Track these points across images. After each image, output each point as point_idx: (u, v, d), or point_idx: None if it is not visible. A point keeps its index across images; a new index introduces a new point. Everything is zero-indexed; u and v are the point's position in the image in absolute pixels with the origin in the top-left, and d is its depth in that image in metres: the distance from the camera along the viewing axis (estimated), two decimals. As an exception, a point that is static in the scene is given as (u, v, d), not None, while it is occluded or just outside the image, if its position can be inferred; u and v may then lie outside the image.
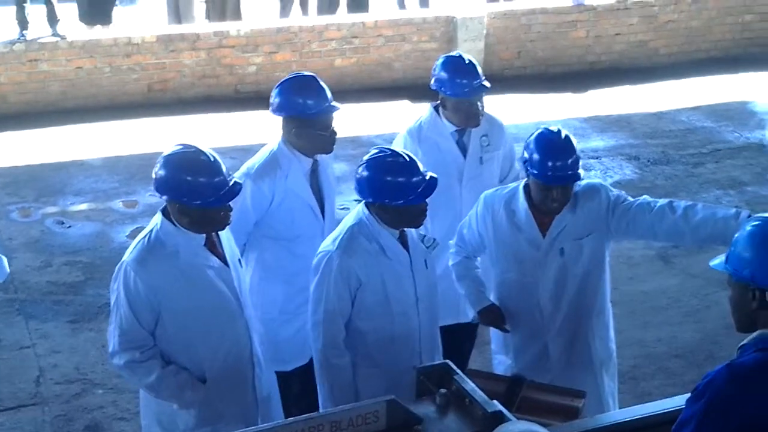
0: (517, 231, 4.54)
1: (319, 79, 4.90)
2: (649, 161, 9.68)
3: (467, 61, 5.30)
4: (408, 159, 4.15)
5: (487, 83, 5.29)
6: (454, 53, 5.54)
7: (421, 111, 5.48)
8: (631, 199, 4.53)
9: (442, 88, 5.26)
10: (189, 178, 3.89)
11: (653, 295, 7.08)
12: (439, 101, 5.36)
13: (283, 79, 4.93)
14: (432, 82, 5.32)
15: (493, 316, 4.66)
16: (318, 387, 4.39)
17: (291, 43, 11.23)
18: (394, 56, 11.48)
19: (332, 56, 11.33)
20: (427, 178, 4.13)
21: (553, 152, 4.35)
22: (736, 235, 3.05)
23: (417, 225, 4.25)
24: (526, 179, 4.53)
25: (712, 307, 6.84)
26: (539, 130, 4.46)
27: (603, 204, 4.52)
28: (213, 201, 3.89)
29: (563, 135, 4.44)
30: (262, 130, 10.12)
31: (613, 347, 4.90)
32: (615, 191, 4.58)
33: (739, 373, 2.90)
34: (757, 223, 3.03)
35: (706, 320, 6.74)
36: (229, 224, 4.06)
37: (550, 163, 4.32)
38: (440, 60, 5.36)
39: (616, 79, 11.90)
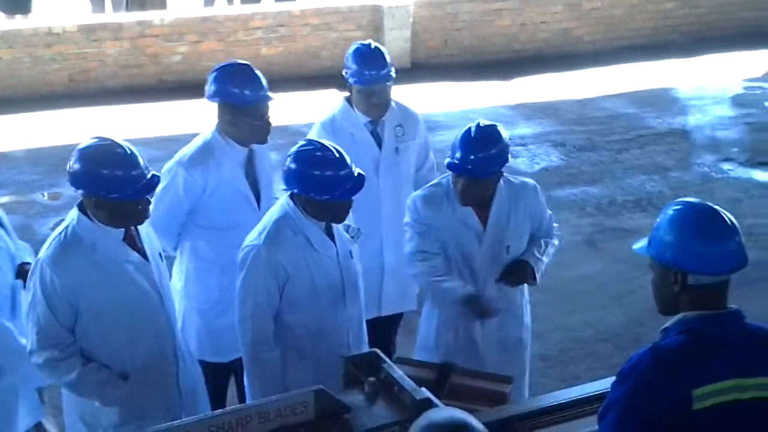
0: (462, 224, 4.55)
1: (254, 68, 4.84)
2: (575, 147, 9.79)
3: (374, 49, 5.25)
4: (338, 154, 4.11)
5: (392, 73, 5.24)
6: (365, 41, 5.48)
7: (334, 103, 5.43)
8: (549, 216, 4.76)
9: (349, 76, 5.22)
10: (105, 172, 3.80)
11: (580, 280, 7.16)
12: (349, 94, 5.31)
13: (217, 66, 4.86)
14: (343, 70, 5.29)
15: (480, 307, 4.47)
16: (246, 382, 4.34)
17: (216, 32, 11.15)
18: (321, 45, 11.45)
19: (258, 45, 11.26)
20: (356, 174, 4.11)
21: (466, 142, 4.41)
22: (658, 220, 3.08)
23: (340, 220, 4.22)
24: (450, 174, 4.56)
25: (637, 291, 6.93)
26: (477, 122, 4.52)
27: (537, 204, 4.69)
28: (130, 194, 3.81)
29: (486, 130, 4.46)
30: (187, 120, 10.03)
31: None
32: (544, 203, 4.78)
33: (663, 355, 2.93)
34: (678, 207, 3.06)
35: (632, 304, 6.83)
36: (147, 218, 3.97)
37: (459, 152, 4.40)
38: (351, 48, 5.32)
39: (542, 67, 12.03)
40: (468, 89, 11.22)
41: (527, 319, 4.85)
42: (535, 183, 4.76)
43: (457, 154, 4.41)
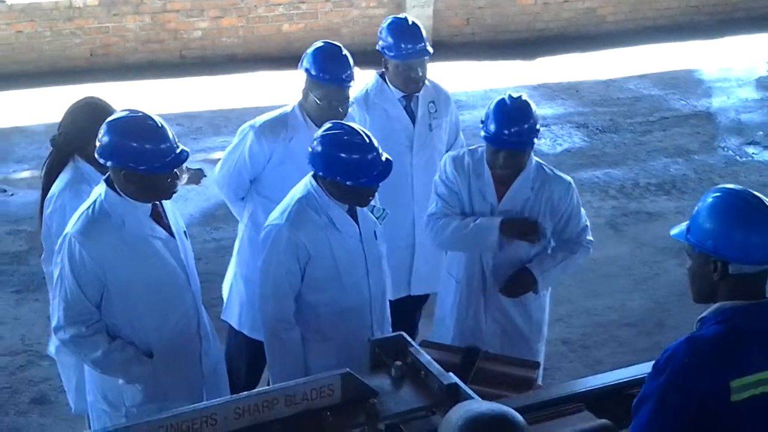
0: (479, 194, 4.55)
1: (344, 50, 4.83)
2: (597, 129, 9.70)
3: (411, 24, 5.24)
4: (367, 139, 4.06)
5: (430, 48, 5.22)
6: (400, 15, 5.47)
7: (367, 78, 5.40)
8: (581, 223, 4.62)
9: (385, 50, 5.19)
10: (135, 144, 3.78)
11: (603, 263, 7.10)
12: (383, 69, 5.29)
13: (315, 45, 4.87)
14: (378, 44, 5.26)
15: (517, 225, 4.46)
16: (267, 361, 4.32)
17: (237, 8, 11.07)
18: (342, 22, 11.37)
19: (279, 21, 11.19)
20: (383, 160, 4.06)
21: (503, 116, 4.39)
22: (697, 207, 3.02)
23: (363, 204, 4.18)
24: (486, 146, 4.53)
25: (662, 275, 6.88)
26: (503, 95, 4.48)
27: (566, 202, 4.57)
28: (158, 167, 3.79)
29: (519, 102, 4.45)
30: (208, 96, 10.01)
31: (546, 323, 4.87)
32: (579, 201, 4.64)
33: (700, 346, 2.89)
34: (717, 194, 3.01)
35: (656, 288, 6.78)
36: (174, 192, 3.94)
37: (497, 127, 4.37)
38: (385, 22, 5.30)
39: (565, 47, 11.92)
40: (490, 68, 11.14)
41: (535, 313, 4.73)
42: (572, 182, 4.64)
43: (493, 127, 4.38)
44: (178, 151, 3.84)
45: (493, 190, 4.54)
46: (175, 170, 3.86)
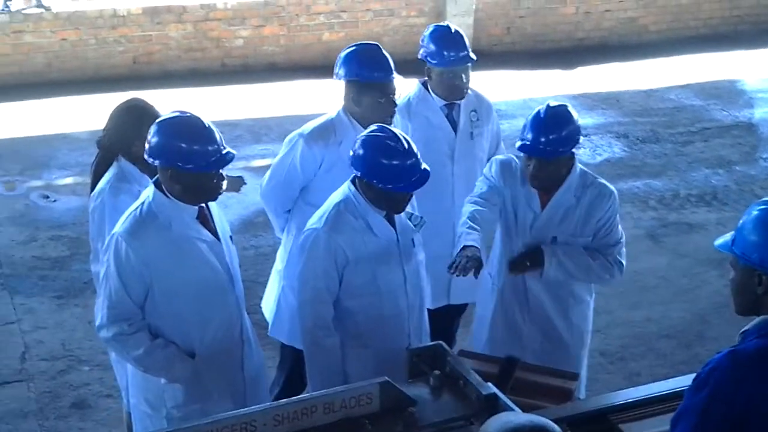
0: (524, 199, 4.54)
1: (381, 48, 4.93)
2: (638, 139, 9.65)
3: (454, 32, 5.26)
4: (407, 145, 4.08)
5: (473, 55, 5.23)
6: (443, 23, 5.49)
7: (409, 87, 5.43)
8: (613, 237, 4.55)
9: (428, 57, 5.22)
10: (182, 144, 3.85)
11: (642, 274, 7.06)
12: (426, 77, 5.31)
13: (347, 47, 4.95)
14: (420, 52, 5.28)
15: (470, 257, 4.29)
16: (306, 368, 4.33)
17: (278, 16, 11.13)
18: (382, 31, 11.40)
19: (320, 30, 11.24)
20: (422, 168, 4.07)
21: (537, 123, 4.38)
22: (743, 219, 3.00)
23: (398, 211, 4.19)
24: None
25: (702, 287, 6.83)
26: (547, 104, 4.49)
27: (606, 212, 4.53)
28: (204, 166, 3.85)
29: (556, 110, 4.43)
30: (248, 104, 10.07)
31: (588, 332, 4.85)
32: (617, 214, 4.57)
33: (742, 359, 2.87)
34: (763, 206, 2.98)
35: (696, 300, 6.72)
36: (220, 194, 4.00)
37: (529, 135, 4.37)
38: (428, 30, 5.33)
39: (605, 56, 11.87)
40: (530, 78, 11.11)
41: (576, 319, 4.70)
42: (615, 192, 4.58)
43: (528, 135, 4.38)
44: (224, 152, 3.89)
45: (537, 198, 4.53)
46: (220, 171, 3.91)
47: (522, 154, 4.50)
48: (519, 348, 4.52)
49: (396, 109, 5.19)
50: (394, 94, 4.84)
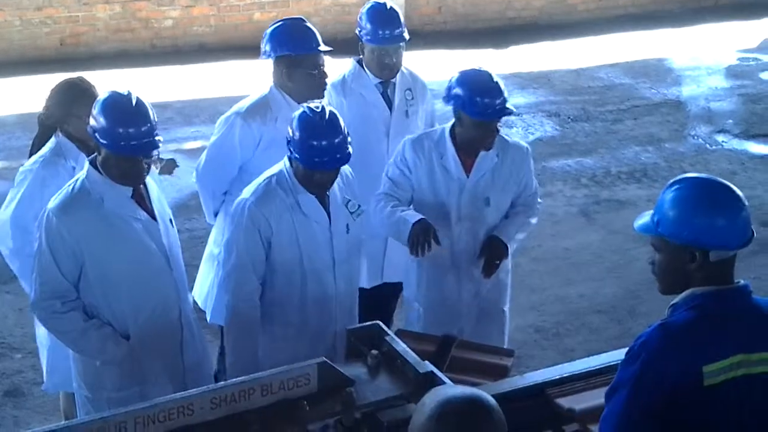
0: (445, 171, 4.60)
1: (306, 21, 4.93)
2: (569, 118, 9.75)
3: (389, 9, 5.25)
4: (327, 124, 4.05)
5: (406, 35, 5.24)
6: (380, 1, 5.46)
7: (341, 67, 5.41)
8: (534, 187, 4.80)
9: (362, 34, 5.22)
10: (106, 124, 3.81)
11: (576, 251, 7.15)
12: (360, 55, 5.30)
13: (271, 25, 4.93)
14: (357, 29, 5.28)
15: (424, 228, 4.47)
16: (224, 339, 4.30)
17: (208, -4, 11.02)
18: (313, 10, 11.34)
19: (251, 10, 11.15)
20: (348, 150, 4.06)
21: (486, 89, 4.43)
22: (661, 200, 3.00)
23: (316, 192, 4.16)
24: (452, 122, 4.58)
25: (633, 263, 6.93)
26: (463, 71, 4.53)
27: (525, 168, 4.74)
28: (121, 149, 3.80)
29: (489, 73, 4.52)
30: (179, 85, 9.97)
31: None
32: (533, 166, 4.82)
33: (673, 332, 2.91)
34: (684, 184, 2.99)
35: (628, 276, 6.82)
36: (142, 180, 3.96)
37: (485, 99, 4.40)
38: (365, 7, 5.33)
39: (536, 36, 11.96)
40: (462, 57, 11.12)
41: (507, 277, 4.88)
42: (528, 147, 4.82)
43: (486, 101, 4.40)
44: (145, 140, 3.83)
45: (460, 165, 4.59)
46: (139, 157, 3.86)
47: (438, 128, 4.68)
48: (456, 316, 4.68)
49: (331, 86, 5.20)
50: (324, 66, 4.83)
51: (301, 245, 4.15)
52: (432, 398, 2.36)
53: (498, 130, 4.52)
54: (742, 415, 2.95)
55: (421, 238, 4.42)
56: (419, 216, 4.50)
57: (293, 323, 4.23)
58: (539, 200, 4.88)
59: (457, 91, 4.47)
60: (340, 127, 4.08)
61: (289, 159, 4.14)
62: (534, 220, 4.83)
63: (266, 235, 4.12)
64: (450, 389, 2.43)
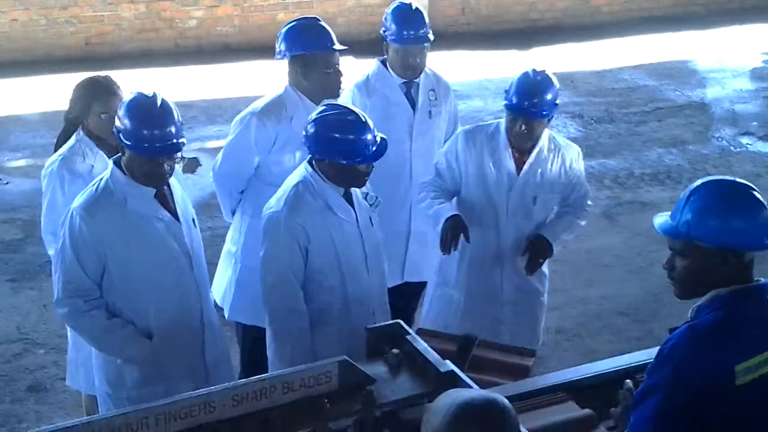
0: (496, 166, 4.72)
1: (320, 20, 4.93)
2: (592, 119, 9.72)
3: (414, 10, 5.26)
4: (362, 118, 4.08)
5: (431, 36, 5.25)
6: (406, 1, 5.47)
7: (365, 67, 5.42)
8: (584, 187, 4.92)
9: (387, 34, 5.22)
10: (129, 126, 3.83)
11: (598, 253, 7.13)
12: (385, 55, 5.31)
13: (285, 24, 4.94)
14: (382, 29, 5.29)
15: (454, 225, 4.67)
16: (274, 353, 4.23)
17: (232, -4, 11.06)
18: (337, 11, 11.37)
19: (275, 11, 11.18)
20: (378, 140, 4.07)
21: (524, 86, 4.60)
22: (691, 205, 2.94)
23: (359, 185, 4.19)
24: (505, 118, 4.74)
25: (656, 265, 6.82)
26: (527, 69, 4.72)
27: (576, 169, 4.84)
28: (145, 150, 3.82)
29: (541, 75, 4.66)
30: (203, 85, 10.01)
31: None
32: (583, 168, 4.93)
33: (703, 333, 2.88)
34: (707, 190, 2.95)
35: (650, 278, 6.79)
36: (165, 182, 3.96)
37: (517, 95, 4.58)
38: (390, 7, 5.34)
39: (560, 37, 11.93)
40: (485, 58, 11.14)
41: (546, 268, 4.98)
42: (580, 150, 4.92)
43: (517, 97, 4.59)
44: (168, 142, 3.84)
45: (512, 161, 4.72)
46: (160, 158, 3.86)
47: (494, 122, 4.78)
48: (497, 305, 4.83)
49: (355, 86, 5.20)
50: (338, 65, 4.83)
51: (336, 246, 4.16)
52: (448, 400, 2.35)
53: (540, 125, 4.65)
54: None
55: (450, 234, 4.63)
56: (452, 212, 4.69)
57: (337, 325, 4.23)
58: (589, 202, 4.94)
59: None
60: (366, 118, 4.10)
61: (312, 163, 4.14)
62: (583, 222, 4.92)
63: (304, 244, 4.11)
64: (465, 392, 2.42)
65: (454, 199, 4.85)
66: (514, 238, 4.78)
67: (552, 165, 4.74)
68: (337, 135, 4.04)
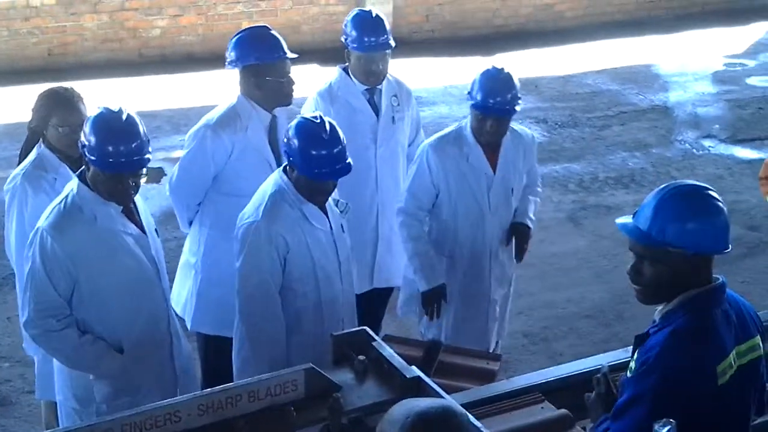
0: (471, 168, 4.82)
1: (271, 29, 4.93)
2: (557, 124, 9.78)
3: (375, 17, 5.28)
4: (331, 134, 4.08)
5: (392, 42, 5.26)
6: (366, 8, 5.51)
7: (330, 75, 5.43)
8: (537, 170, 5.20)
9: (348, 42, 5.23)
10: (94, 141, 3.81)
11: (563, 256, 7.17)
12: (347, 62, 5.32)
13: (235, 34, 4.93)
14: (342, 36, 5.30)
15: (437, 297, 4.86)
16: (247, 361, 4.23)
17: (196, 5, 11.05)
18: (301, 19, 11.37)
19: (239, 19, 11.16)
20: (346, 160, 4.08)
21: (490, 84, 4.68)
22: (664, 210, 2.91)
23: (317, 202, 4.19)
24: (467, 120, 4.85)
25: (620, 268, 6.78)
26: (488, 67, 4.81)
27: (532, 153, 5.05)
28: (108, 166, 3.80)
29: (504, 72, 4.76)
30: (167, 94, 9.97)
31: None
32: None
33: (685, 337, 2.88)
34: (675, 195, 2.94)
35: (615, 280, 6.83)
36: (130, 200, 3.95)
37: (487, 96, 4.66)
38: (350, 15, 5.36)
39: (524, 43, 11.99)
40: (449, 65, 11.17)
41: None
42: (534, 135, 5.16)
43: (485, 96, 4.67)
44: (135, 158, 3.83)
45: (486, 161, 4.83)
46: (125, 174, 3.84)
47: (455, 127, 4.89)
48: (486, 298, 5.01)
49: (317, 94, 5.21)
50: (290, 73, 4.84)
51: (312, 254, 4.18)
52: (403, 410, 2.33)
53: (508, 120, 4.78)
54: (747, 407, 3.00)
55: (432, 305, 4.87)
56: (431, 285, 4.84)
57: (310, 331, 4.24)
58: (539, 181, 5.22)
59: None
60: (340, 137, 4.10)
61: (286, 172, 4.14)
62: (539, 199, 5.18)
63: (282, 253, 4.12)
64: (420, 401, 2.42)
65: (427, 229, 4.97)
66: (499, 231, 4.93)
67: (517, 154, 4.90)
68: (307, 147, 4.05)
